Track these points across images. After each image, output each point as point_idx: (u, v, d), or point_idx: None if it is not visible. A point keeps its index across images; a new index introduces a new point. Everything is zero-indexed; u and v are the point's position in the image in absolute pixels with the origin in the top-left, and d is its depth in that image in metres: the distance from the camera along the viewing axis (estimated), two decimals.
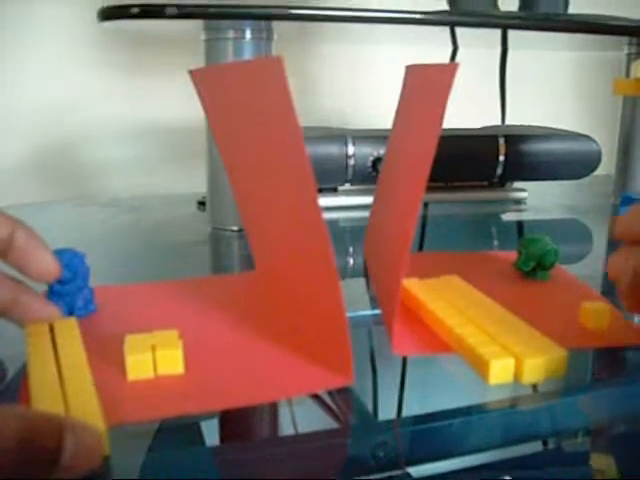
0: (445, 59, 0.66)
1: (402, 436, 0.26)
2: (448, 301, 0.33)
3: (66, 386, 0.25)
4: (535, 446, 0.27)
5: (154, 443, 0.24)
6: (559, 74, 1.01)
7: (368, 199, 0.49)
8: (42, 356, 0.28)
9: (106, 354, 0.29)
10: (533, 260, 0.40)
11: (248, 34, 0.51)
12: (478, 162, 0.67)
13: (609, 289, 0.43)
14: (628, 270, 0.29)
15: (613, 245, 0.31)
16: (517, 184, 0.72)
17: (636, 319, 0.34)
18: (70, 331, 0.30)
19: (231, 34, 0.51)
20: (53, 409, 0.23)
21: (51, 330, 0.30)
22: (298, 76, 0.87)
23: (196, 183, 0.64)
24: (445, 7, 0.62)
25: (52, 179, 0.81)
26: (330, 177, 0.63)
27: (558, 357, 0.27)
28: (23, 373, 0.28)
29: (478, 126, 0.75)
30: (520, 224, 0.66)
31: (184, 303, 0.36)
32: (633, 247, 0.30)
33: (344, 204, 0.65)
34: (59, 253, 0.33)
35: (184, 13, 0.46)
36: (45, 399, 0.24)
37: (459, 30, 0.58)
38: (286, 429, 0.27)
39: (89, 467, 0.20)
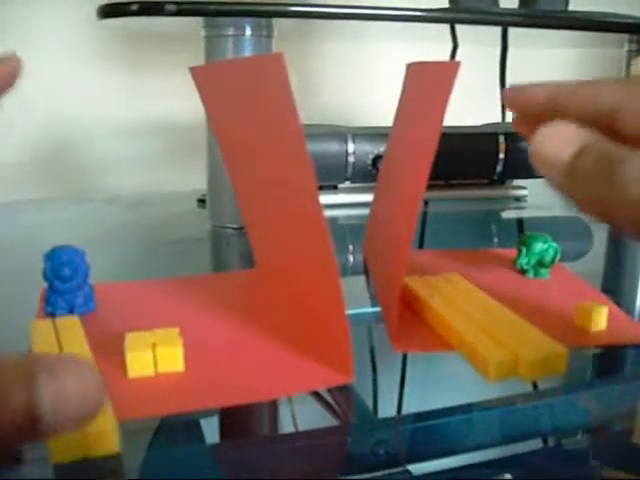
0: (445, 56, 0.66)
1: (402, 433, 0.26)
2: (448, 298, 0.33)
3: None
4: (535, 443, 0.27)
5: (154, 441, 0.24)
6: (559, 72, 1.00)
7: (368, 197, 0.49)
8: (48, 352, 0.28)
9: (106, 352, 0.29)
10: (533, 258, 0.40)
11: (248, 31, 0.51)
12: (478, 160, 0.67)
13: (610, 287, 0.43)
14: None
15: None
16: (517, 182, 0.72)
17: None
18: (74, 328, 0.30)
19: (231, 31, 0.51)
20: None
21: (54, 328, 0.30)
22: (298, 73, 0.87)
23: (196, 180, 0.64)
24: (445, 4, 0.62)
25: (52, 176, 0.80)
26: (330, 175, 0.63)
27: (558, 354, 0.27)
28: None
29: (478, 124, 0.75)
30: (520, 222, 0.66)
31: (184, 301, 0.36)
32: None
33: (344, 202, 0.65)
34: (59, 250, 0.33)
35: (183, 10, 0.46)
36: None
37: (459, 27, 0.58)
38: (286, 427, 0.27)
39: (83, 417, 0.15)
